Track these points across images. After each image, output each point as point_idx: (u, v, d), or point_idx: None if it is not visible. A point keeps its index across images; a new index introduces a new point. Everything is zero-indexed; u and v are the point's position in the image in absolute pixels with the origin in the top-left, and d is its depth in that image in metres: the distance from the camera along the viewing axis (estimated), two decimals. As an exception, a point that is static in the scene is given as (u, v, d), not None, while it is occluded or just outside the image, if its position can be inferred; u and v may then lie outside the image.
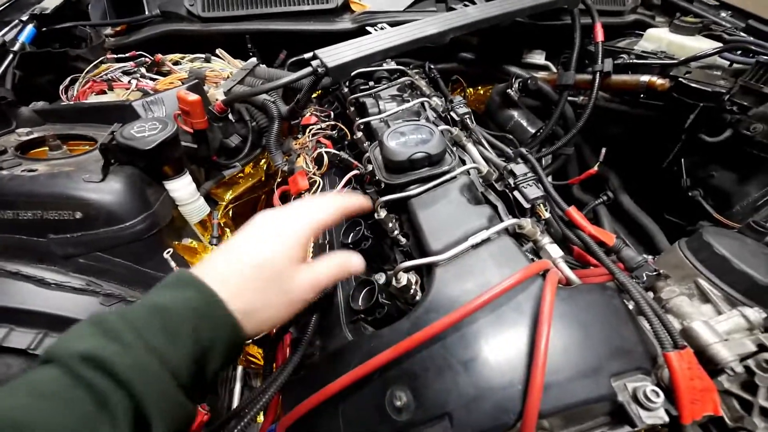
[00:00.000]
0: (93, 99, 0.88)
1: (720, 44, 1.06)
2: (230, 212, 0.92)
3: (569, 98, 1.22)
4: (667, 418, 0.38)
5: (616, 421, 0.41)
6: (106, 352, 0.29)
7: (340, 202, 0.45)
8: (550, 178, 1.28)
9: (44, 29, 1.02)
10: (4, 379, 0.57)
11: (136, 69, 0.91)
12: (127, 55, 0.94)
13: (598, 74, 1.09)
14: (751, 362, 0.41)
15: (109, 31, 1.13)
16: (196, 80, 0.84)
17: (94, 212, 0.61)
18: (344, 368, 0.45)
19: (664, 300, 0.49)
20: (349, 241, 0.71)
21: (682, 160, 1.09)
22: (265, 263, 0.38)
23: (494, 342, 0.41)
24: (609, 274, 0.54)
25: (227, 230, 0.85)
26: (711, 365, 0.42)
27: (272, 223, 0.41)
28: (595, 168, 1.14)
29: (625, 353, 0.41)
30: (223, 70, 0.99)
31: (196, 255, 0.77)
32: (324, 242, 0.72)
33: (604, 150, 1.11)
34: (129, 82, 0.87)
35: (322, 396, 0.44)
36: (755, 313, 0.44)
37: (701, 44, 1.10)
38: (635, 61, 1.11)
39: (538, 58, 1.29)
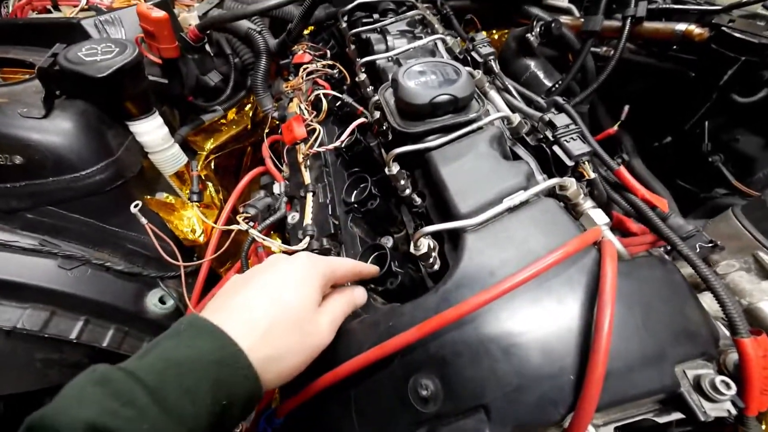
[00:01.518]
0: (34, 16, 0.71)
1: (769, -10, 0.94)
2: (212, 164, 0.81)
3: (591, 49, 1.10)
4: (734, 411, 0.33)
5: (667, 409, 0.36)
6: (117, 421, 0.25)
7: (359, 265, 0.46)
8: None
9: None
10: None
11: (86, -19, 0.73)
12: (72, -39, 0.75)
13: (629, 20, 0.96)
14: (825, 347, 0.35)
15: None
16: (163, -2, 0.68)
17: (38, 157, 0.49)
18: (356, 348, 0.38)
19: (720, 275, 0.43)
20: (353, 200, 0.62)
21: (706, 122, 1.01)
22: (288, 309, 0.36)
23: (541, 323, 0.34)
24: (649, 243, 0.48)
25: (209, 185, 0.74)
26: (777, 349, 0.37)
27: (291, 267, 0.39)
28: (615, 128, 1.05)
29: (691, 337, 0.35)
30: (197, -9, 0.82)
31: (173, 212, 0.66)
32: (325, 201, 0.63)
33: (626, 108, 1.02)
34: (77, -4, 0.70)
35: (331, 379, 0.37)
36: (831, 293, 0.38)
37: (747, -11, 0.98)
38: (671, 5, 0.98)
39: (562, 0, 1.14)
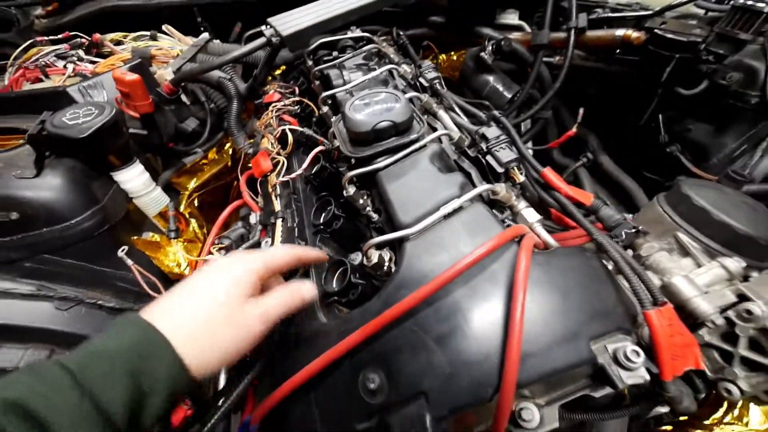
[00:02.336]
0: (27, 88, 0.80)
1: (695, -9, 1.02)
2: (195, 201, 0.87)
3: (545, 59, 1.17)
4: (648, 377, 0.37)
5: (597, 383, 0.40)
6: (33, 398, 0.29)
7: (297, 250, 0.48)
8: (530, 144, 1.26)
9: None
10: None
11: (71, 51, 0.82)
12: (59, 36, 0.85)
13: (572, 31, 1.04)
14: (731, 313, 0.40)
15: (39, 11, 1.02)
16: (140, 60, 0.76)
17: (31, 211, 0.55)
18: (315, 354, 0.42)
19: (643, 257, 0.48)
20: (321, 221, 0.67)
21: (660, 115, 1.07)
22: (216, 306, 0.38)
23: (469, 315, 0.39)
24: (588, 236, 0.52)
25: (192, 221, 0.80)
26: (691, 319, 0.41)
27: (222, 265, 0.42)
28: (574, 129, 1.11)
29: (604, 315, 0.39)
30: (172, 48, 0.91)
31: (159, 249, 0.72)
32: (293, 226, 0.68)
33: (582, 110, 1.09)
34: (65, 66, 0.79)
35: (293, 384, 0.41)
36: (735, 263, 0.42)
37: (676, -7, 1.06)
38: (610, 15, 1.06)
39: (512, 18, 1.24)
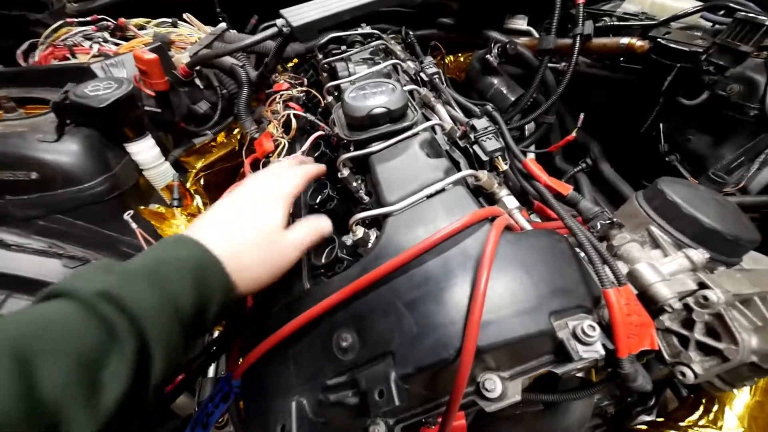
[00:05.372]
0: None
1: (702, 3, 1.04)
2: (201, 180, 0.92)
3: (551, 65, 1.20)
4: (603, 352, 0.39)
5: (560, 359, 0.42)
6: (121, 290, 0.30)
7: (306, 169, 0.53)
8: (533, 148, 1.28)
9: (3, -6, 0.98)
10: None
11: (98, 33, 0.88)
12: (88, 18, 0.91)
13: (578, 37, 1.07)
14: (690, 299, 0.41)
15: (72, -5, 1.09)
16: (160, 43, 0.81)
17: (50, 173, 0.60)
18: (295, 314, 0.46)
19: (615, 247, 0.50)
20: (317, 202, 0.71)
21: (661, 125, 1.08)
22: (258, 227, 0.42)
23: (439, 284, 0.41)
24: (563, 227, 0.54)
25: (197, 197, 0.84)
26: (653, 304, 0.43)
27: (260, 192, 0.46)
28: (574, 134, 1.13)
29: (566, 292, 0.41)
30: (191, 36, 0.96)
31: (164, 221, 0.76)
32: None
33: (582, 115, 1.10)
34: (90, 47, 0.84)
35: (272, 342, 0.45)
36: (698, 254, 0.44)
37: (684, 5, 1.08)
38: (616, 23, 1.08)
39: (521, 23, 1.26)
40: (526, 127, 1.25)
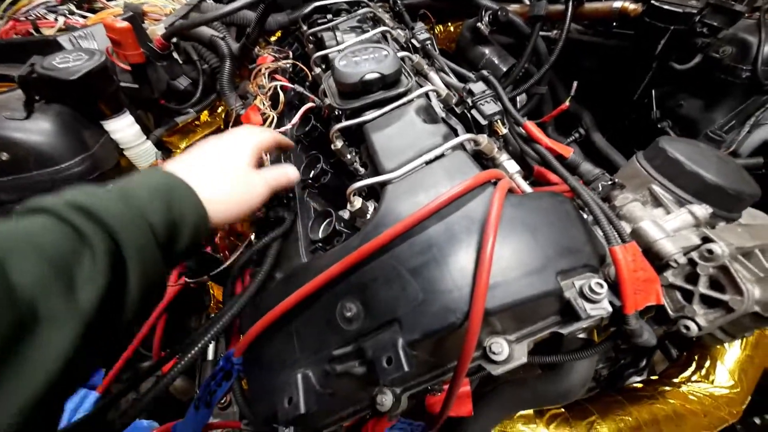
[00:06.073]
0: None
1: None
2: (186, 160, 0.87)
3: (542, 33, 1.17)
4: (610, 309, 0.38)
5: (566, 320, 0.42)
6: (92, 201, 0.31)
7: (278, 135, 0.55)
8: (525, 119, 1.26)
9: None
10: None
11: (62, 6, 0.81)
12: (50, -12, 0.84)
13: (570, 2, 1.04)
14: (694, 254, 0.41)
15: (30, -35, 1.00)
16: (132, 14, 0.76)
17: (22, 153, 0.56)
18: (295, 288, 0.44)
19: (617, 207, 0.49)
20: (310, 176, 0.68)
21: (653, 91, 1.07)
22: (227, 163, 0.45)
23: (443, 249, 0.40)
24: (568, 192, 0.54)
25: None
26: (657, 260, 0.43)
27: (229, 138, 0.48)
28: (567, 103, 1.12)
29: (573, 252, 0.40)
30: (165, 6, 0.90)
31: (150, 203, 0.73)
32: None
33: (575, 84, 1.09)
34: (56, 19, 0.78)
35: (273, 316, 0.43)
36: (702, 210, 0.44)
37: (677, -35, 1.05)
38: (609, -14, 1.05)
39: (511, -10, 1.22)
40: (518, 98, 1.23)
